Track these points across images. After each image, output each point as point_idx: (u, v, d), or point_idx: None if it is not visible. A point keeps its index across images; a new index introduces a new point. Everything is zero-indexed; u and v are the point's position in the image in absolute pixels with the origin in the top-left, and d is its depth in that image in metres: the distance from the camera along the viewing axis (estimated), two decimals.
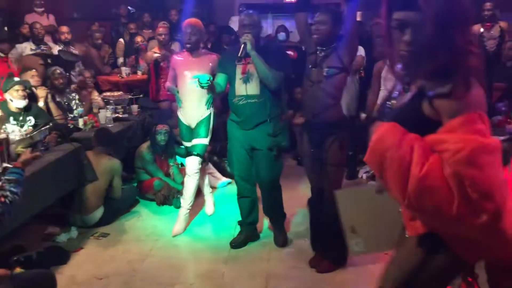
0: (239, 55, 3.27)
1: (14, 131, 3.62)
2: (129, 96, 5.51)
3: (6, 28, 6.26)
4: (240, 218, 3.75)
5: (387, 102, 1.69)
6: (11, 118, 3.95)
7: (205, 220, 4.22)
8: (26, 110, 4.06)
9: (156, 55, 5.25)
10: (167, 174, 4.83)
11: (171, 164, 4.87)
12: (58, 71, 4.86)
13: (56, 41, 6.42)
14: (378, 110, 3.81)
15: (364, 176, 5.10)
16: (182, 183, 4.16)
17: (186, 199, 3.94)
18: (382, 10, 1.51)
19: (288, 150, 5.55)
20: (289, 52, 5.22)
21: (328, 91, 3.03)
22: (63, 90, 4.89)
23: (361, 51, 4.80)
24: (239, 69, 3.40)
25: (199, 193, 4.16)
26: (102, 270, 3.36)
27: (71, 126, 4.37)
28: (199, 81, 3.23)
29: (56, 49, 6.05)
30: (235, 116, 3.52)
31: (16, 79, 4.22)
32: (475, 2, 6.03)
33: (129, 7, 7.98)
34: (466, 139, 1.33)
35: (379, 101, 4.22)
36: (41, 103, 4.60)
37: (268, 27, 8.76)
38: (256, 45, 3.31)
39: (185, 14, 5.50)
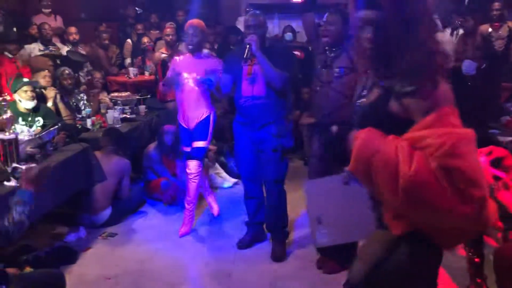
0: (244, 56, 3.26)
1: (23, 131, 3.65)
2: (137, 97, 5.55)
3: (14, 29, 6.28)
4: (247, 219, 3.76)
5: (357, 101, 1.71)
6: (20, 118, 3.99)
7: (212, 220, 4.23)
8: (34, 111, 4.09)
9: (163, 55, 5.27)
10: (174, 174, 4.85)
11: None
12: (66, 71, 4.90)
13: (64, 41, 6.46)
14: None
15: None
16: None
17: (189, 200, 3.95)
18: (350, 9, 1.56)
19: (295, 151, 5.55)
20: (296, 53, 5.22)
21: (339, 91, 3.02)
22: (71, 91, 4.92)
23: None
24: (245, 70, 3.40)
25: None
26: (110, 269, 3.38)
27: (80, 127, 4.40)
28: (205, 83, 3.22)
29: (64, 49, 6.10)
30: (241, 116, 3.52)
31: (25, 79, 4.25)
32: (483, 2, 6.04)
33: (136, 8, 8.01)
34: (446, 133, 1.38)
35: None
36: (50, 104, 4.64)
37: (275, 27, 8.75)
38: (261, 45, 3.30)
39: (191, 15, 5.51)
